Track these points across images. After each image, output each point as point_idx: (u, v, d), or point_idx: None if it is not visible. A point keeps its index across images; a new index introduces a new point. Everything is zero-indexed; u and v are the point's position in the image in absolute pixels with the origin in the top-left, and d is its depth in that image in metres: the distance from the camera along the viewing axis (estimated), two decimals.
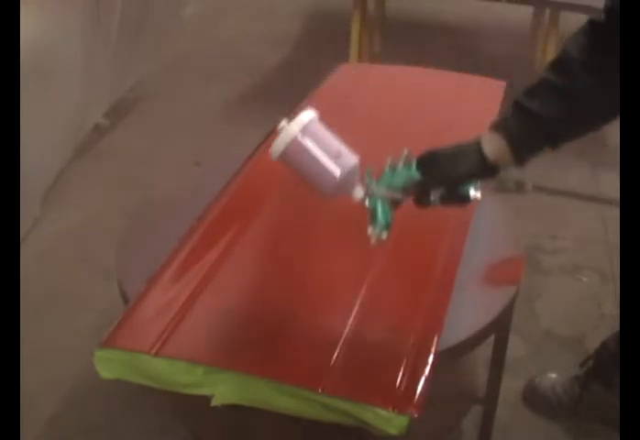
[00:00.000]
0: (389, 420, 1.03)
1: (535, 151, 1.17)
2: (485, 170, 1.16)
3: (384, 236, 1.19)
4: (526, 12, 3.72)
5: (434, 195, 1.18)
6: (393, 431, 1.03)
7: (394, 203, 1.20)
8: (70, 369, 1.93)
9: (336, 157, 1.15)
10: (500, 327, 1.43)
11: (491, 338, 1.46)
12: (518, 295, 1.36)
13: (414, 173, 1.18)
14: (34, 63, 2.27)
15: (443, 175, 1.17)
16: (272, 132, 1.72)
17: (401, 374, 1.08)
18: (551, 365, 1.98)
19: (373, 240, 1.20)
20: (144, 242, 1.43)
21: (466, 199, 1.20)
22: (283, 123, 1.16)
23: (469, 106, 1.87)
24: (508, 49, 3.83)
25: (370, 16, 3.44)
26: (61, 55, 2.54)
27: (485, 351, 1.57)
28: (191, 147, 2.92)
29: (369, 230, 1.19)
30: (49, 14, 2.47)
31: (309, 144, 1.15)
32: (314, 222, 1.48)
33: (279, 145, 1.15)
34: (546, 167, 2.45)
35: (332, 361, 1.10)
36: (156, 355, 1.10)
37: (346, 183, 1.16)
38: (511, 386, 1.85)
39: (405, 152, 1.23)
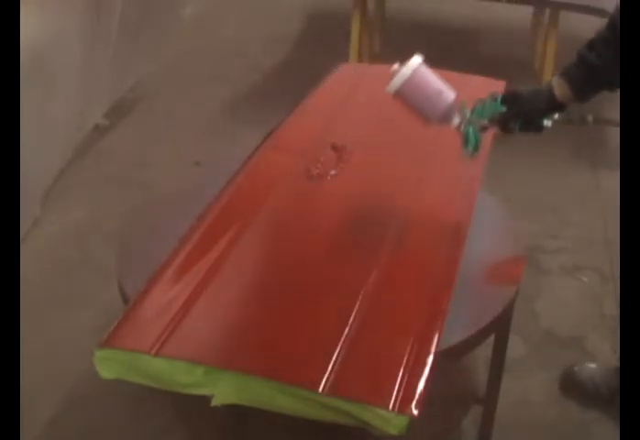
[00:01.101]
0: (389, 420, 1.02)
1: (593, 93, 1.44)
2: (555, 106, 1.45)
3: (475, 154, 1.45)
4: (526, 12, 3.72)
5: (515, 124, 1.46)
6: (393, 431, 1.03)
7: (482, 129, 1.47)
8: (70, 370, 1.93)
9: (440, 92, 1.41)
10: (500, 327, 1.43)
11: (491, 338, 1.46)
12: (518, 295, 1.37)
13: (500, 107, 1.46)
14: (34, 63, 2.27)
15: (523, 109, 1.45)
16: (272, 132, 1.73)
17: (401, 374, 1.08)
18: (551, 365, 1.98)
19: (467, 157, 1.46)
20: (144, 242, 1.43)
21: (540, 128, 1.47)
22: (396, 66, 1.39)
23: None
24: (508, 49, 3.83)
25: (370, 16, 3.44)
26: (61, 55, 2.54)
27: (485, 351, 1.57)
28: (191, 147, 2.92)
29: (463, 150, 1.45)
30: (48, 14, 2.47)
31: (420, 81, 1.39)
32: (313, 221, 1.48)
33: (396, 82, 1.38)
34: None
35: (332, 361, 1.10)
36: (156, 355, 1.10)
37: (449, 112, 1.42)
38: (511, 386, 1.85)
39: (492, 91, 1.51)
